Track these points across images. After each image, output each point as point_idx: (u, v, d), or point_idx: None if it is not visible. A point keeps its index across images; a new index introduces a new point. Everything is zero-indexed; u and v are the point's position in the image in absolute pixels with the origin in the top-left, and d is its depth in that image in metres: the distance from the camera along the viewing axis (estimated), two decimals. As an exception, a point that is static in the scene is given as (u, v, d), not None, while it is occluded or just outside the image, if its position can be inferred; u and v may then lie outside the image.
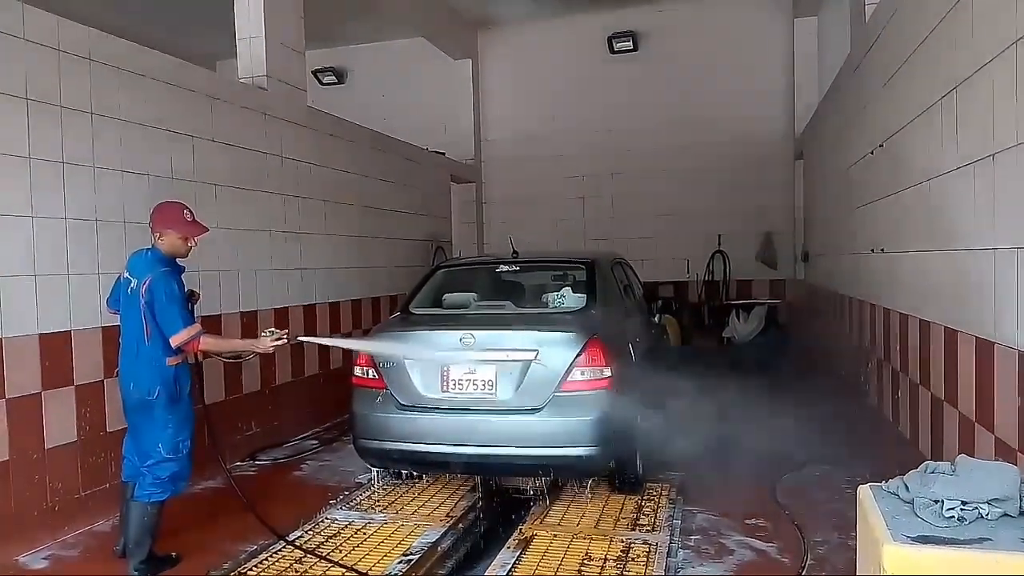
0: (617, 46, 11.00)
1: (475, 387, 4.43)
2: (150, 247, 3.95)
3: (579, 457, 4.29)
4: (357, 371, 4.75)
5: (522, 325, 4.59)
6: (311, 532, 4.46)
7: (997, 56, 2.64)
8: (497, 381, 4.39)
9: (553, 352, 4.34)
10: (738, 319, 9.56)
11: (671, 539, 4.19)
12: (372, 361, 4.65)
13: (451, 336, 4.50)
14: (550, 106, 11.45)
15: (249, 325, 6.11)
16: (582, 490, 4.98)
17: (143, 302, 3.72)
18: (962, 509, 1.75)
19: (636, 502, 4.82)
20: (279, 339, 4.02)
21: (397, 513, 4.76)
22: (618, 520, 4.53)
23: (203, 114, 5.64)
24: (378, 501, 4.99)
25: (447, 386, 4.48)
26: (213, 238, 5.59)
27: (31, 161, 4.25)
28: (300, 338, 4.22)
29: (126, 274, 3.89)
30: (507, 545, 4.19)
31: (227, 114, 5.90)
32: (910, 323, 3.95)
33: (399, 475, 5.29)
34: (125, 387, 3.86)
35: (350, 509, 4.86)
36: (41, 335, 4.31)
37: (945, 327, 3.33)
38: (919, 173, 3.71)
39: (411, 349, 4.41)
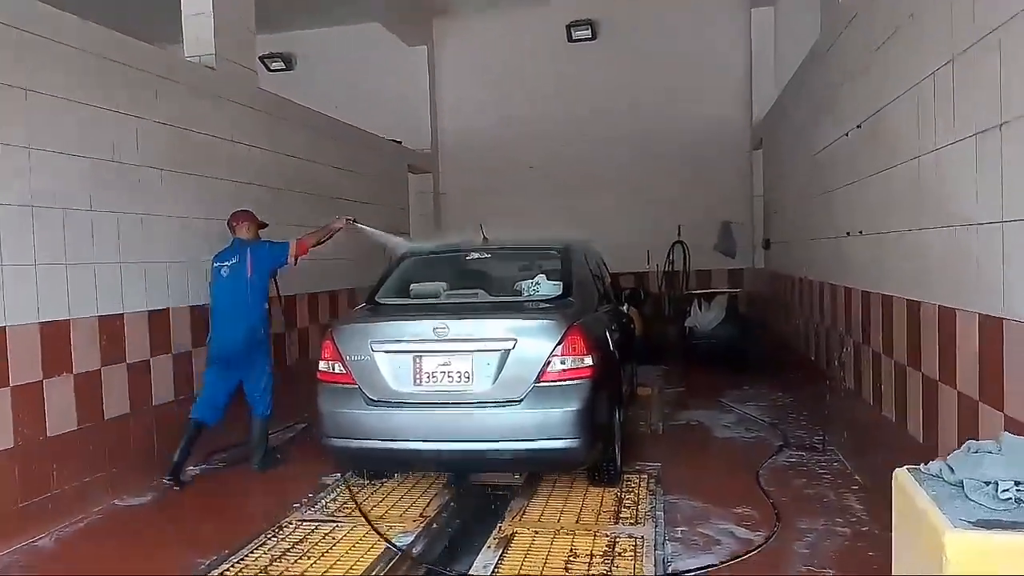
0: (575, 34, 10.85)
1: (450, 379, 4.21)
2: (233, 239, 5.38)
3: (561, 450, 4.12)
4: (322, 365, 4.47)
5: (499, 313, 4.38)
6: (275, 539, 4.16)
7: (1004, 24, 2.55)
8: (474, 372, 4.18)
9: (532, 341, 4.15)
10: (700, 309, 9.54)
11: (657, 531, 4.05)
12: (338, 354, 4.38)
13: (424, 326, 4.26)
14: (508, 95, 11.23)
15: (197, 321, 5.73)
16: (560, 484, 4.81)
17: (249, 264, 5.22)
18: (1018, 490, 1.63)
19: (616, 494, 4.68)
20: (347, 219, 5.85)
21: (367, 514, 4.49)
22: (600, 514, 4.37)
23: (148, 94, 5.24)
24: (346, 503, 4.71)
25: (420, 379, 4.24)
26: (159, 227, 5.27)
27: (-46, 139, 3.84)
28: (358, 224, 5.95)
29: (216, 264, 5.29)
30: (487, 544, 3.99)
31: (174, 94, 5.51)
32: (895, 304, 3.89)
33: (367, 475, 5.02)
34: (235, 334, 5.19)
35: (316, 512, 4.58)
36: (-31, 332, 3.91)
37: (939, 306, 3.26)
38: (907, 151, 3.64)
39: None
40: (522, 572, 3.64)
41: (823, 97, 5.59)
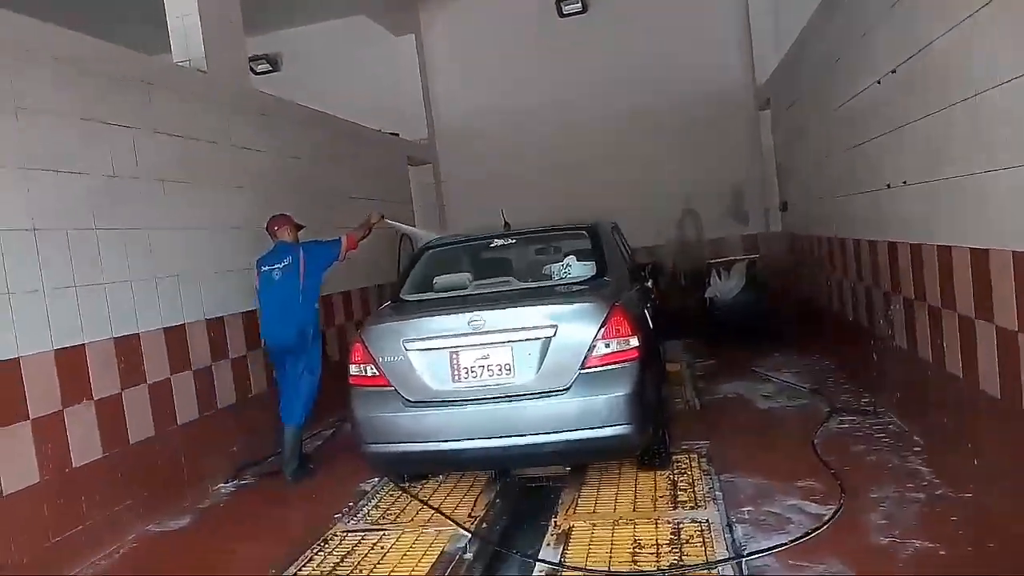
0: (565, 9, 10.54)
1: (490, 373, 4.00)
2: (276, 243, 5.41)
3: (614, 437, 3.92)
4: (352, 369, 4.26)
5: (536, 300, 4.16)
6: (322, 553, 3.98)
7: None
8: (515, 364, 3.97)
9: (573, 326, 3.94)
10: (719, 278, 9.32)
11: (721, 513, 3.87)
12: (370, 356, 4.17)
13: (458, 319, 4.05)
14: (502, 77, 10.92)
15: (217, 335, 5.53)
16: (608, 471, 4.62)
17: (302, 265, 5.20)
18: None
19: (668, 477, 4.49)
20: (380, 215, 6.00)
21: (412, 520, 4.31)
22: (656, 499, 4.19)
23: (141, 103, 5.00)
24: (388, 510, 4.53)
25: (459, 375, 4.04)
26: (165, 241, 5.04)
27: (-53, 164, 3.61)
28: (387, 220, 6.11)
29: (264, 268, 5.30)
30: (546, 541, 3.81)
31: (166, 101, 5.26)
32: (955, 255, 3.69)
33: (406, 479, 4.83)
34: (286, 335, 5.18)
35: (359, 522, 4.39)
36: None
37: (1013, 252, 3.05)
38: (960, 90, 3.42)
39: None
40: (588, 566, 3.46)
41: (844, 47, 5.34)
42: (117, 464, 4.45)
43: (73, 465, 4.14)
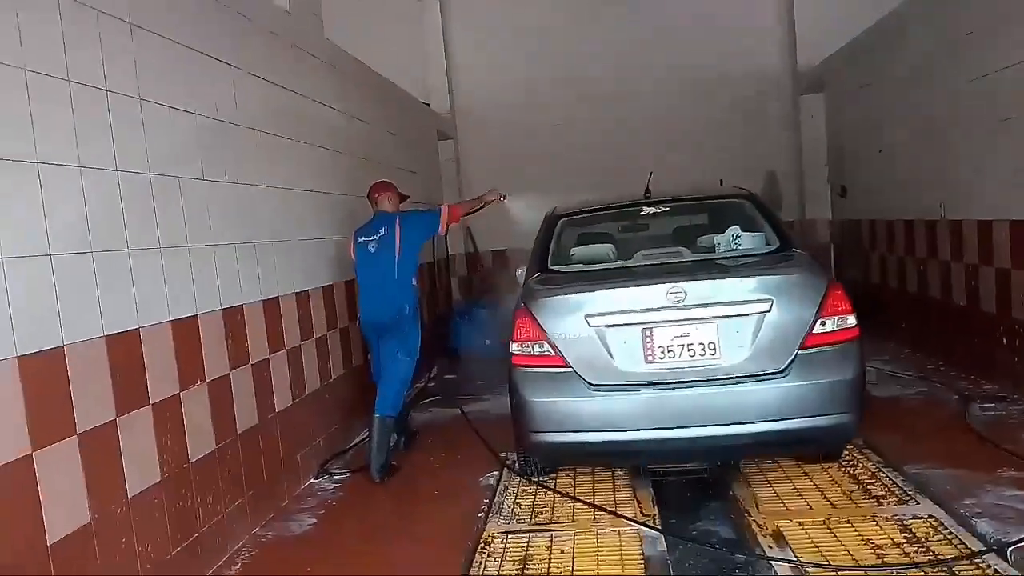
0: (604, -18, 10.10)
1: (691, 353, 3.53)
2: (375, 212, 4.96)
3: (836, 427, 3.53)
4: (515, 347, 3.73)
5: (747, 271, 3.71)
6: (494, 559, 3.45)
7: None
8: (720, 343, 3.51)
9: (792, 301, 3.51)
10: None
11: (945, 508, 3.52)
12: (541, 332, 3.63)
13: (654, 291, 3.56)
14: (529, 53, 10.34)
15: (304, 312, 4.86)
16: (764, 464, 4.22)
17: (398, 235, 4.69)
18: None
19: (843, 470, 4.13)
20: (501, 196, 5.21)
21: (573, 520, 3.83)
22: (849, 495, 3.81)
23: (238, 38, 4.29)
24: (532, 507, 4.02)
25: (652, 355, 3.55)
26: (261, 201, 4.38)
27: (71, 85, 2.88)
28: (505, 201, 5.31)
29: (360, 239, 4.84)
30: (765, 544, 3.37)
31: (259, 40, 4.57)
32: None
33: (538, 472, 4.32)
34: (381, 312, 4.73)
35: (512, 522, 3.86)
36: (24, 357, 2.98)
37: None
38: None
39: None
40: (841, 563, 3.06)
41: (983, 19, 5.03)
42: (227, 457, 3.78)
43: (190, 460, 3.47)
